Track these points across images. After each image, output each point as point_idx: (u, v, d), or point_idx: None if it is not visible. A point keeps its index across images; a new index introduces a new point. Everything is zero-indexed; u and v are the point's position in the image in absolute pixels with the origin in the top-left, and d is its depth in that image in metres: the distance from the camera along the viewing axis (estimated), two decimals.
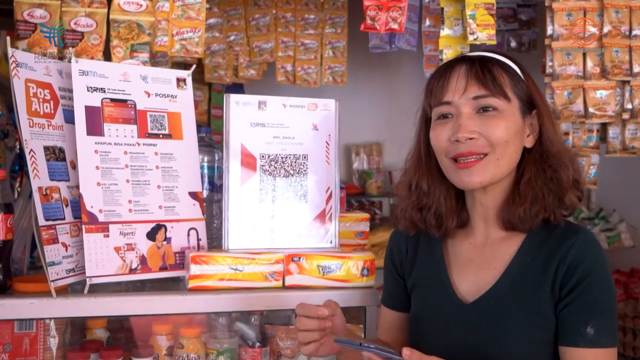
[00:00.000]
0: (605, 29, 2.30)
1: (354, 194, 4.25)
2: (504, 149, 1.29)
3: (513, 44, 3.47)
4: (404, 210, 1.43)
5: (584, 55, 2.33)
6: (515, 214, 1.31)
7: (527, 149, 1.35)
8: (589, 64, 2.34)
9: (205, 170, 1.87)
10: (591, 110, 2.33)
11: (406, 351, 1.10)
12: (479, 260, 1.36)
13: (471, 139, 1.29)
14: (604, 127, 2.46)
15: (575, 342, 1.23)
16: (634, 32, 2.32)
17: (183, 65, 3.09)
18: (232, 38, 3.44)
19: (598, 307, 1.23)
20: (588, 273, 1.24)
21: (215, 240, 1.81)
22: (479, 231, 1.39)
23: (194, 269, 1.56)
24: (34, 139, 1.52)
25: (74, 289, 1.56)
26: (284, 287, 1.63)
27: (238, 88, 3.71)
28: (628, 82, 2.34)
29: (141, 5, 1.94)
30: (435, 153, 1.37)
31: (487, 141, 1.28)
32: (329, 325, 1.31)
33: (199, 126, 1.77)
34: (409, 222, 1.43)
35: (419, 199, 1.41)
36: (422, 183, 1.40)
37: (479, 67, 1.31)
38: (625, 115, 2.36)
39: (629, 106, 2.35)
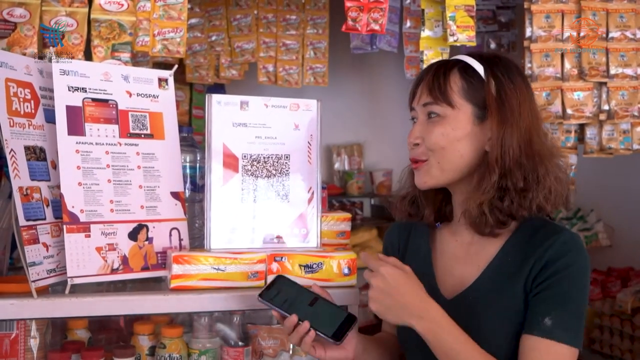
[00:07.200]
0: (583, 32, 2.34)
1: (335, 195, 4.26)
2: (441, 154, 1.35)
3: (492, 45, 3.51)
4: (394, 199, 1.56)
5: (562, 57, 2.37)
6: (470, 217, 1.35)
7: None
8: (567, 65, 2.37)
9: (187, 170, 1.87)
10: (569, 111, 2.36)
11: None
12: (464, 258, 1.40)
13: (417, 144, 1.38)
14: (581, 128, 2.49)
15: (530, 329, 1.24)
16: (610, 35, 2.36)
17: (164, 65, 3.09)
18: (213, 38, 3.44)
19: (562, 301, 1.24)
20: (563, 269, 1.26)
21: (197, 240, 1.80)
22: (464, 229, 1.42)
23: (176, 269, 1.56)
24: (14, 138, 1.51)
25: (55, 290, 1.55)
26: None
27: (219, 88, 3.71)
28: (605, 83, 2.37)
29: (122, 5, 1.93)
30: None
31: (426, 147, 1.36)
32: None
33: (180, 126, 1.77)
34: (394, 209, 1.55)
35: (405, 190, 1.52)
36: (408, 176, 1.50)
37: (432, 74, 1.38)
38: (602, 116, 2.39)
39: (606, 107, 2.39)
